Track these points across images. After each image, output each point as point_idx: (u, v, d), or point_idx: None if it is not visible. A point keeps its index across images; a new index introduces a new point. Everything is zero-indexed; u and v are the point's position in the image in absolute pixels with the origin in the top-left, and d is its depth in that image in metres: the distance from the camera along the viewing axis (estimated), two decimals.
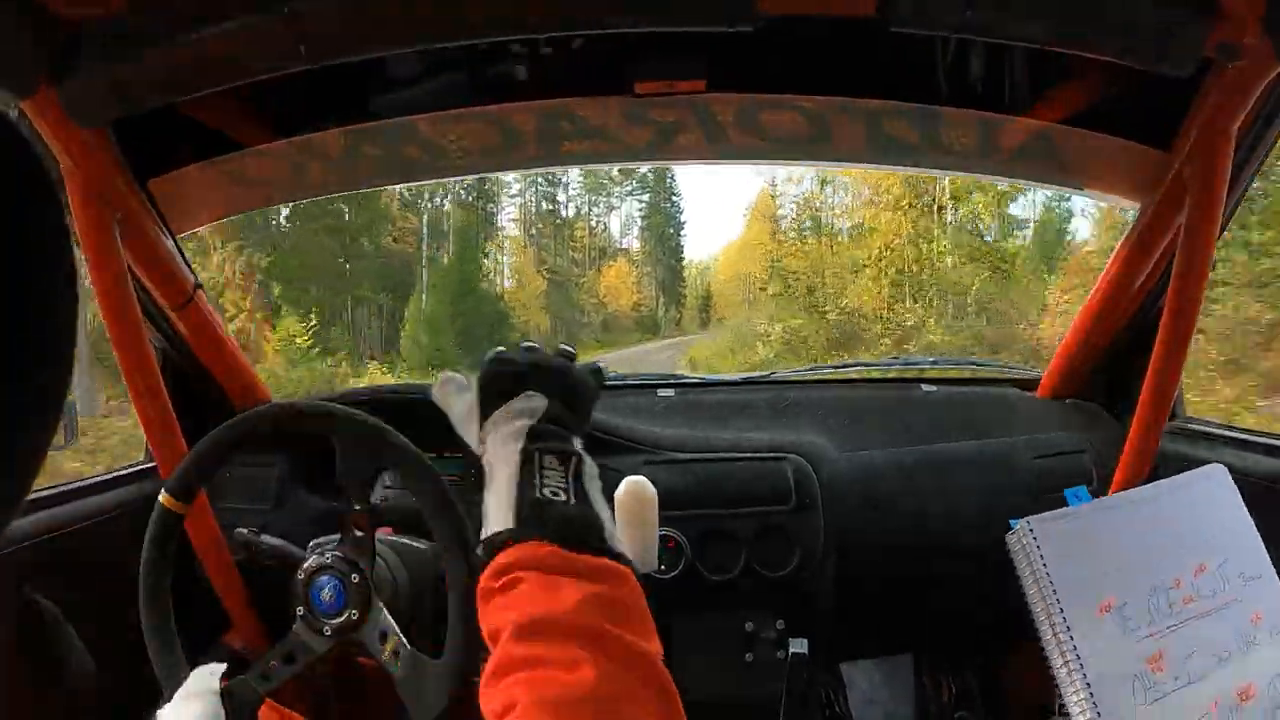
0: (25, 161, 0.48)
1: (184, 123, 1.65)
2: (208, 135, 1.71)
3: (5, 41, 1.25)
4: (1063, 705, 0.99)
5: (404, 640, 1.32)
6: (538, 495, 0.94)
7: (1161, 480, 1.08)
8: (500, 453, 1.00)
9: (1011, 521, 1.01)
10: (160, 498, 1.38)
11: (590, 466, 1.02)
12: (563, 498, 0.95)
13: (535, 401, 1.04)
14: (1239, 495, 1.06)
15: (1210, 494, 1.07)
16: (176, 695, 1.25)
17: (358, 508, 1.36)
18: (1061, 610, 0.95)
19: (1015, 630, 2.14)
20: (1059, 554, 0.97)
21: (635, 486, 1.50)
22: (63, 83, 1.35)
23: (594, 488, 1.00)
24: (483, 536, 0.93)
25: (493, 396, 1.05)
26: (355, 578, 1.36)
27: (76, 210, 1.51)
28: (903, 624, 2.14)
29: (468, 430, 1.07)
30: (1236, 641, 0.99)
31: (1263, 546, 1.06)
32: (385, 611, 1.36)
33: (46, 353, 0.49)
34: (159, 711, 1.24)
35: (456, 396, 1.09)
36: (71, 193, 1.50)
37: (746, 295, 29.13)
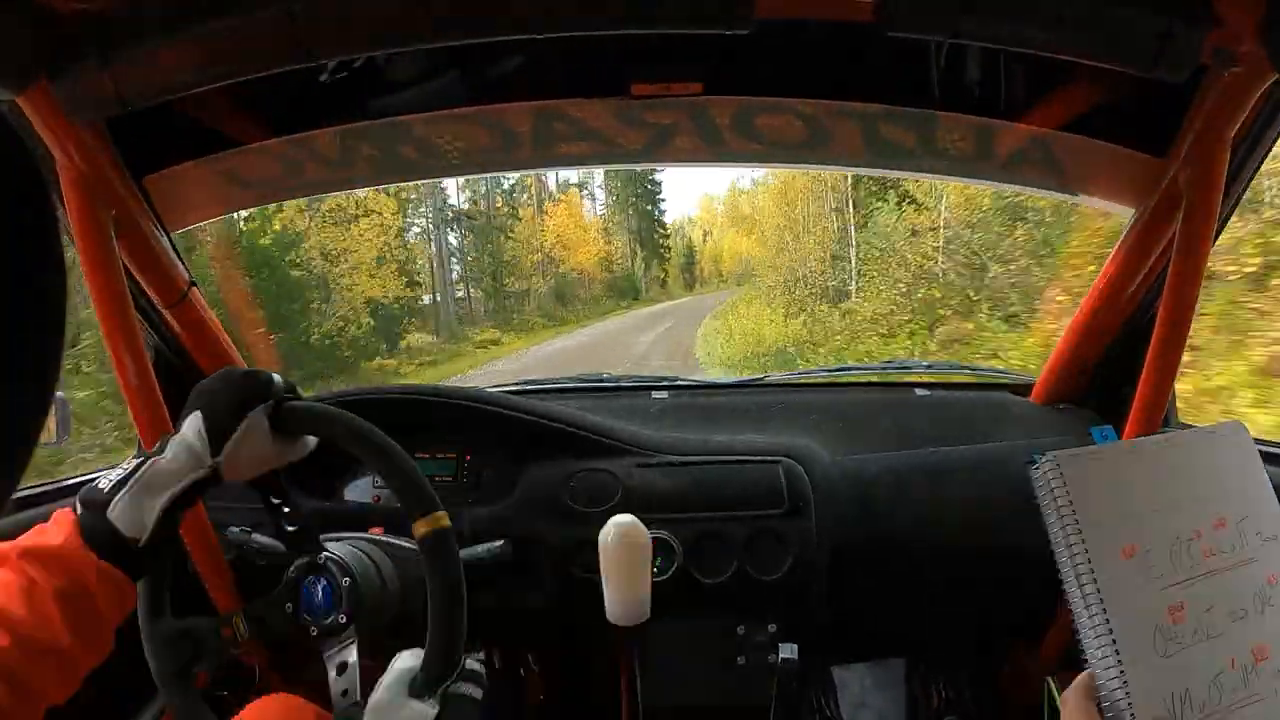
0: (13, 154, 0.48)
1: (180, 120, 1.65)
2: (203, 133, 1.71)
3: (1, 36, 1.24)
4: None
5: (358, 686, 1.32)
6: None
7: (1182, 431, 1.06)
8: None
9: (1034, 454, 0.99)
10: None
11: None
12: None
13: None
14: (1258, 454, 1.05)
15: (1230, 449, 1.06)
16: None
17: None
18: (1086, 550, 0.92)
19: (1007, 636, 2.17)
20: (1083, 492, 0.94)
21: (625, 530, 1.47)
22: (59, 78, 1.35)
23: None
24: None
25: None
26: (346, 581, 1.36)
27: (71, 206, 1.51)
28: (895, 628, 2.15)
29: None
30: (1253, 600, 0.98)
31: None
32: (355, 644, 1.36)
33: (36, 345, 0.49)
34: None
35: (403, 698, 1.20)
36: (66, 189, 1.50)
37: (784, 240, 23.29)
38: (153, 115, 1.49)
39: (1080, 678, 0.95)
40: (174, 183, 1.73)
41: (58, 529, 1.10)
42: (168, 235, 1.77)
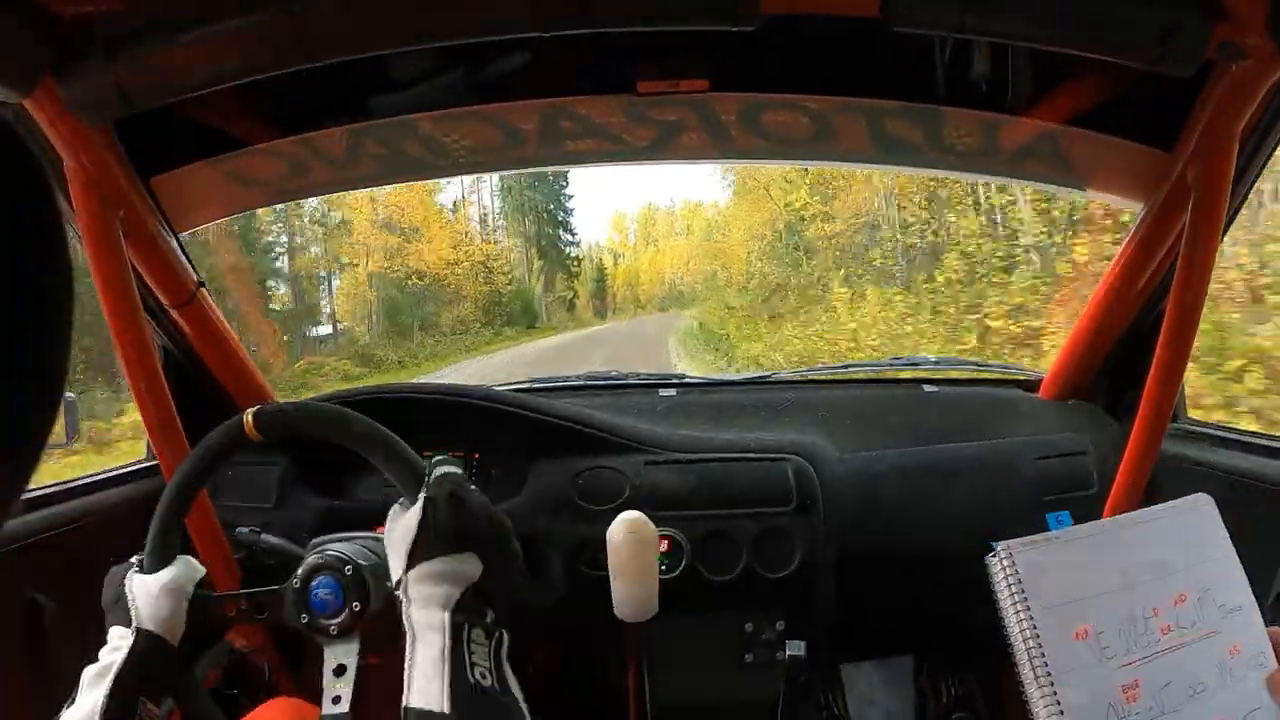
0: (18, 155, 0.48)
1: (187, 121, 1.65)
2: (210, 133, 1.71)
3: (7, 39, 1.25)
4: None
5: (350, 695, 1.32)
6: (469, 679, 1.01)
7: (1146, 508, 1.08)
8: (426, 614, 1.07)
9: (993, 544, 1.01)
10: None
11: (506, 641, 1.11)
12: (489, 681, 1.03)
13: (470, 566, 1.10)
14: (1223, 527, 1.06)
15: (1194, 523, 1.06)
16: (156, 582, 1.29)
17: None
18: (1036, 634, 0.94)
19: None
20: (1036, 579, 0.96)
21: (634, 526, 1.47)
22: (66, 80, 1.36)
23: (507, 666, 1.09)
24: (412, 705, 0.99)
25: (430, 542, 1.10)
26: (353, 578, 1.36)
27: (79, 208, 1.51)
28: (903, 626, 2.14)
29: (393, 553, 1.13)
30: (1214, 674, 0.98)
31: (1245, 578, 1.05)
32: (357, 648, 1.35)
33: (36, 345, 0.49)
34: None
35: (400, 515, 1.14)
36: (74, 190, 1.50)
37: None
38: (160, 116, 1.49)
39: None
40: (181, 183, 1.74)
41: None
42: (176, 236, 1.78)
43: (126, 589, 1.27)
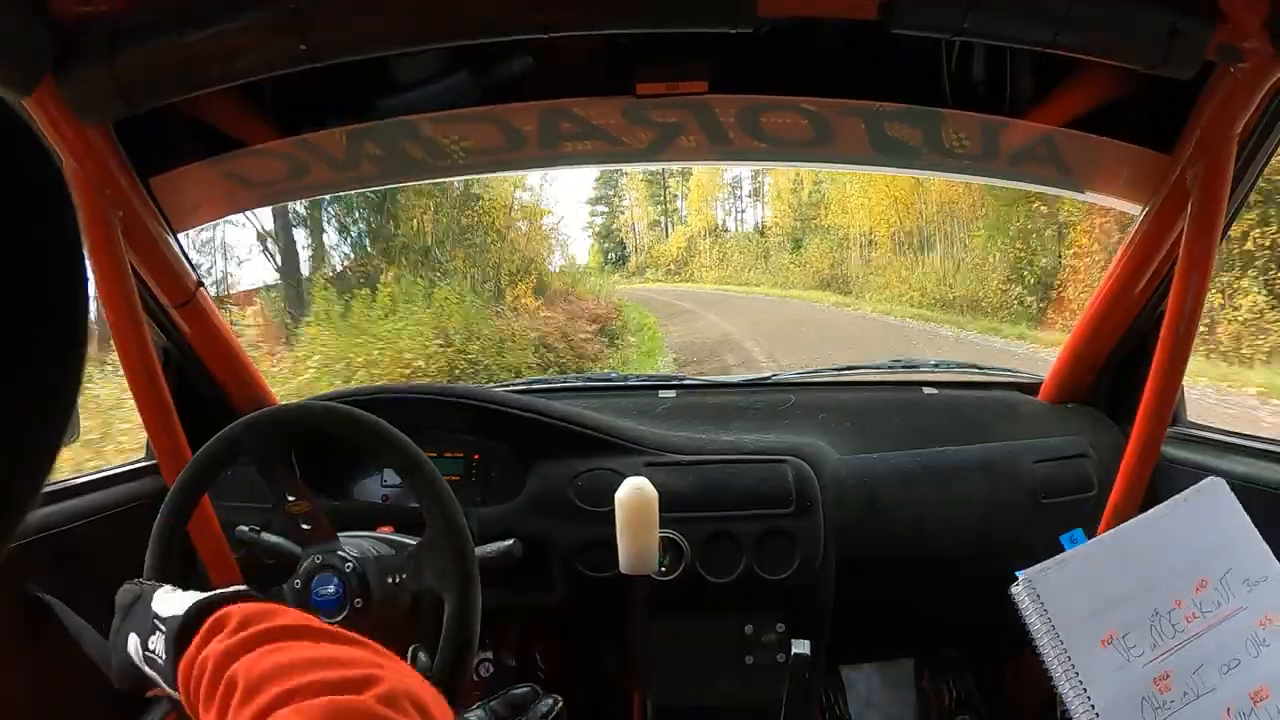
0: (40, 167, 0.48)
1: (186, 121, 1.66)
2: (210, 133, 1.72)
3: (7, 38, 1.25)
4: (1065, 712, 1.01)
5: None
6: None
7: (1157, 506, 1.09)
8: None
9: (1018, 573, 1.04)
10: None
11: None
12: None
13: None
14: (1238, 504, 1.07)
15: (1208, 509, 1.08)
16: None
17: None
18: (1065, 650, 0.98)
19: (1016, 636, 2.16)
20: (1059, 599, 1.01)
21: (636, 488, 1.51)
22: (65, 80, 1.36)
23: None
24: None
25: None
26: (356, 579, 1.37)
27: (78, 207, 1.51)
28: (904, 628, 2.14)
29: None
30: (1245, 648, 1.00)
31: (1268, 549, 1.06)
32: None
33: (58, 354, 0.49)
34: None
35: None
36: (74, 190, 1.50)
37: None
38: (159, 116, 1.50)
39: None
40: (181, 183, 1.74)
41: None
42: (175, 236, 1.78)
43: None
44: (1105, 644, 0.98)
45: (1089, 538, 1.21)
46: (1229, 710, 0.97)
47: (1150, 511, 1.12)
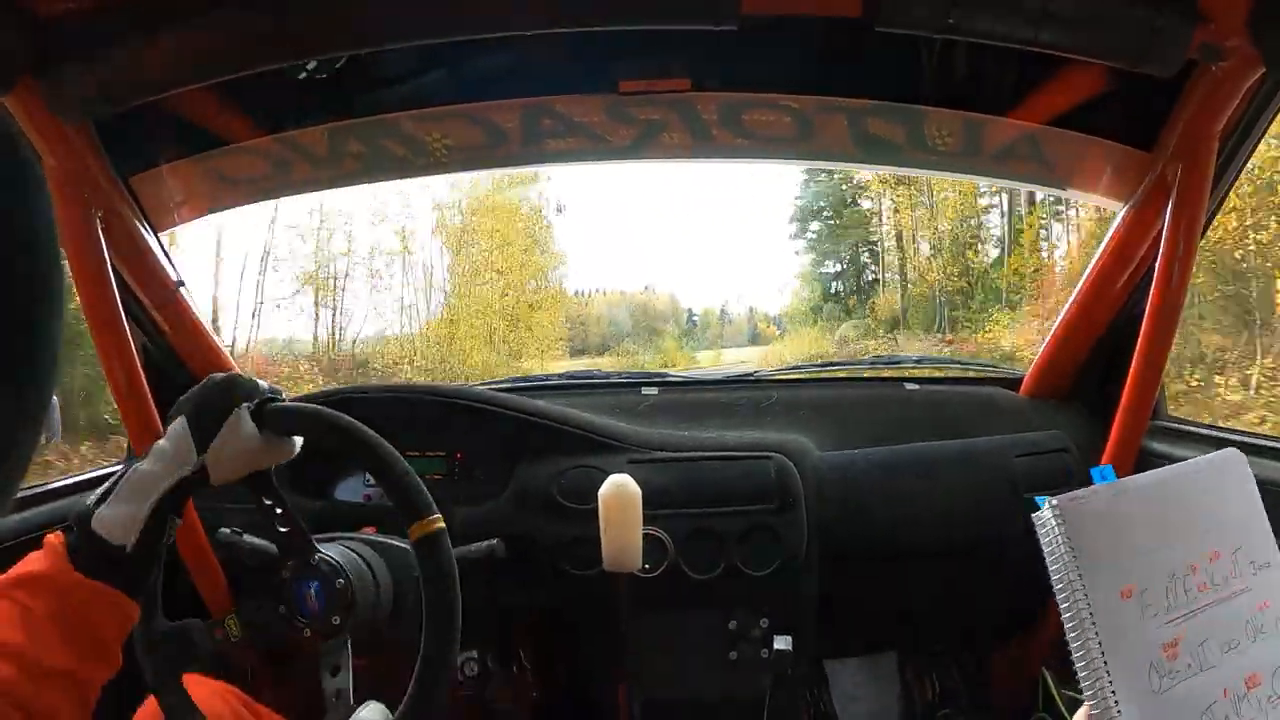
0: (7, 156, 0.47)
1: (167, 119, 1.64)
2: (191, 131, 1.70)
3: None
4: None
5: (350, 690, 1.33)
6: None
7: (1180, 463, 1.09)
8: None
9: (1039, 499, 1.02)
10: None
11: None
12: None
13: None
14: (1253, 481, 1.07)
15: (1225, 479, 1.07)
16: None
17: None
18: (1086, 595, 0.94)
19: (999, 628, 2.18)
20: (1082, 535, 0.96)
21: (619, 485, 1.51)
22: (45, 78, 1.35)
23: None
24: None
25: None
26: (339, 582, 1.36)
27: (58, 206, 1.49)
28: (886, 622, 2.15)
29: None
30: (1245, 630, 1.00)
31: (1272, 535, 1.07)
32: (349, 646, 1.36)
33: (31, 348, 0.49)
34: None
35: None
36: (54, 188, 1.49)
37: None
38: (140, 114, 1.49)
39: (1080, 713, 0.97)
40: (162, 182, 1.73)
41: (45, 553, 1.10)
42: (156, 235, 1.77)
43: (230, 420, 1.20)
44: (1126, 596, 0.95)
45: None
46: (1225, 691, 0.96)
47: (1173, 466, 1.12)
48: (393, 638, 1.43)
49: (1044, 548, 0.99)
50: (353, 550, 1.49)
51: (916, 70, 1.71)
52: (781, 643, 1.67)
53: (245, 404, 1.22)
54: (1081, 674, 0.94)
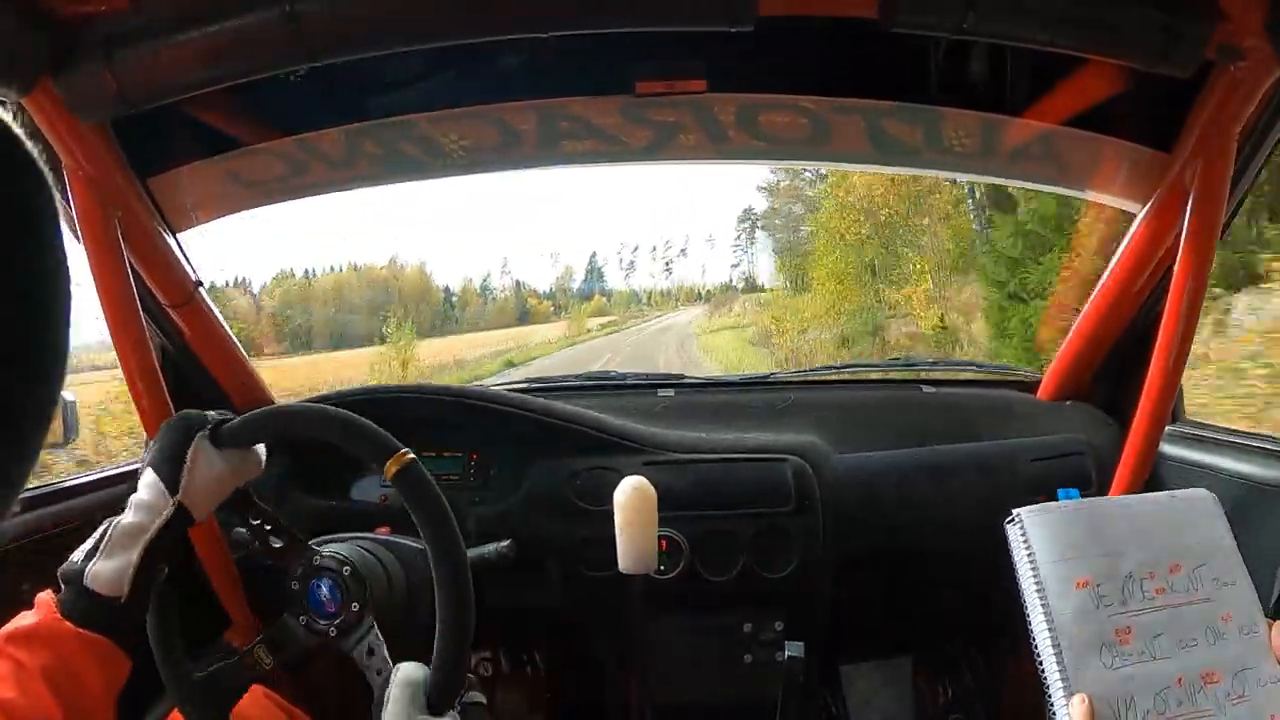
0: (9, 148, 0.48)
1: (185, 121, 1.65)
2: (209, 133, 1.71)
3: (5, 38, 1.25)
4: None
5: (389, 660, 1.34)
6: None
7: (1149, 493, 1.15)
8: None
9: (1013, 510, 1.11)
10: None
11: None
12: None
13: None
14: (1225, 520, 1.12)
15: (1196, 512, 1.14)
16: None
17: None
18: (1040, 584, 1.06)
19: (1013, 634, 2.17)
20: (1044, 540, 1.09)
21: (635, 487, 1.51)
22: (64, 79, 1.36)
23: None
24: None
25: None
26: (351, 578, 1.37)
27: (78, 207, 1.51)
28: (901, 626, 2.15)
29: None
30: (1204, 633, 1.07)
31: (1242, 564, 1.11)
32: (375, 627, 1.38)
33: (38, 343, 0.49)
34: None
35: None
36: (73, 190, 1.50)
37: None
38: (158, 116, 1.49)
39: (1080, 713, 1.02)
40: (180, 183, 1.74)
41: (37, 609, 1.12)
42: (174, 236, 1.78)
43: (191, 451, 1.25)
44: (1079, 586, 1.06)
45: None
46: (1180, 679, 1.03)
47: (1143, 495, 1.18)
48: (409, 635, 1.44)
49: (1012, 553, 1.12)
50: (362, 547, 1.51)
51: (933, 71, 1.71)
52: (793, 649, 1.67)
53: (200, 433, 1.27)
54: (1039, 651, 1.05)
